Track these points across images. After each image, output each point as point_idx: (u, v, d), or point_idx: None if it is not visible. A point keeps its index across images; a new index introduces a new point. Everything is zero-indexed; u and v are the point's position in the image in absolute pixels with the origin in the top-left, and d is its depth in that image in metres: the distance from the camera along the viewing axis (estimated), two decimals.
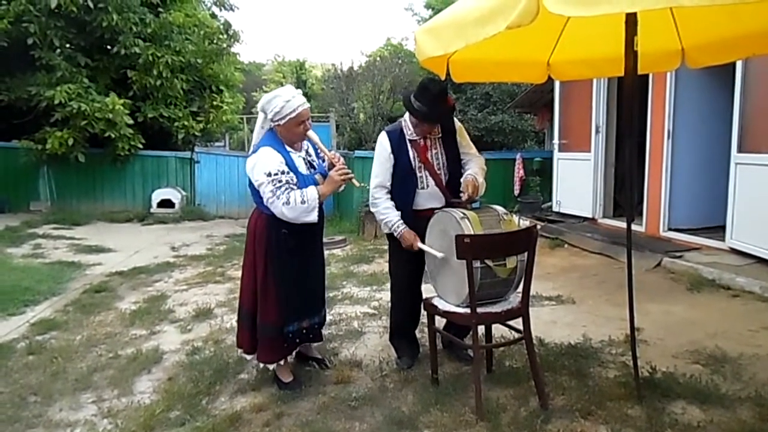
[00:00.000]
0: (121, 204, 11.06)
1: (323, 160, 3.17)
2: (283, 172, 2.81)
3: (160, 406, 2.90)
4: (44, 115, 9.69)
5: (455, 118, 3.32)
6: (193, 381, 3.18)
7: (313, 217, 2.85)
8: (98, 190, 11.06)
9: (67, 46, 9.94)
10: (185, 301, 4.97)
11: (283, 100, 2.84)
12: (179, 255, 7.36)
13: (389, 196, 3.18)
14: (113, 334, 4.08)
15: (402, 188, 3.16)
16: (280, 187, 2.78)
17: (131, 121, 10.10)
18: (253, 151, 2.92)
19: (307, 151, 3.08)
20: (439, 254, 2.87)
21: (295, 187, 2.82)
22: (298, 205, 2.78)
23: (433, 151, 3.18)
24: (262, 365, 3.12)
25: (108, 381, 3.28)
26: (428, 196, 3.16)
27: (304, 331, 3.09)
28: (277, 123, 2.89)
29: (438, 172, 3.16)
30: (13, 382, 3.27)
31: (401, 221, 3.11)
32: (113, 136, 9.94)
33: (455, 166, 3.20)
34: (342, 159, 3.04)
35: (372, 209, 3.28)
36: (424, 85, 3.04)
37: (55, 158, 10.05)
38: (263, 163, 2.81)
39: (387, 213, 3.14)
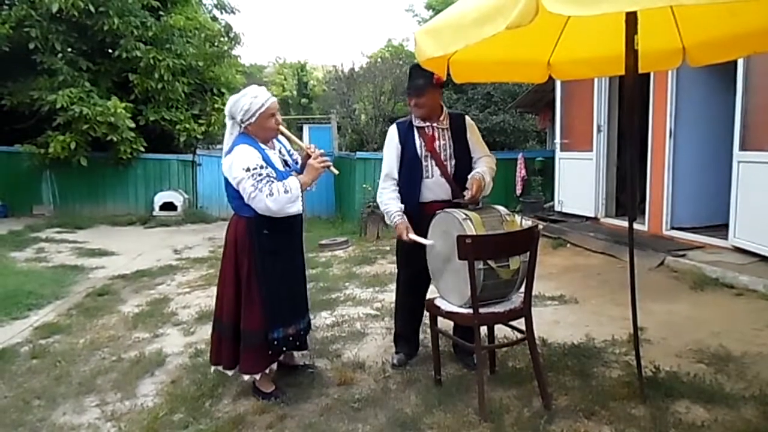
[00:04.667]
0: (124, 207, 11.10)
1: (297, 162, 3.12)
2: (262, 167, 2.77)
3: (164, 408, 2.91)
4: (46, 119, 9.73)
5: (467, 117, 3.36)
6: (197, 383, 3.19)
7: (297, 207, 2.82)
8: (101, 194, 11.09)
9: (69, 50, 9.97)
10: (188, 303, 4.98)
11: (251, 97, 2.83)
12: (182, 258, 7.38)
13: (395, 188, 3.23)
14: (116, 338, 4.09)
15: (409, 177, 3.20)
16: (261, 180, 2.73)
17: (133, 125, 10.13)
18: (228, 152, 2.87)
19: (280, 151, 3.04)
20: (428, 242, 2.95)
21: (275, 180, 2.78)
22: (281, 196, 2.74)
23: (441, 142, 3.21)
24: (246, 377, 3.00)
25: (111, 384, 3.29)
26: (433, 185, 3.18)
27: (290, 338, 2.99)
28: (248, 122, 2.84)
29: (444, 162, 3.19)
30: (17, 386, 3.28)
31: (399, 212, 3.15)
32: (115, 139, 9.97)
33: (462, 159, 3.22)
34: (317, 148, 3.00)
35: (378, 199, 3.32)
36: (411, 66, 3.24)
37: (57, 162, 10.08)
38: (240, 160, 2.76)
39: (389, 203, 3.19)
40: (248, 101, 2.83)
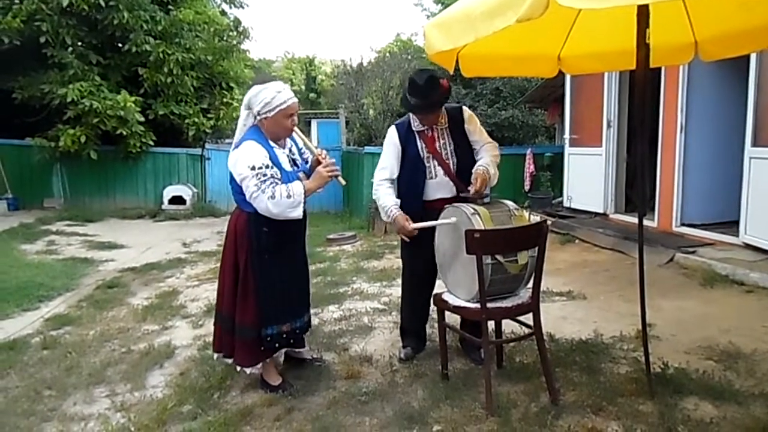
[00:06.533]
0: (133, 201, 11.19)
1: (306, 162, 3.07)
2: (267, 166, 2.72)
3: (173, 400, 2.93)
4: (57, 112, 9.82)
5: (465, 107, 3.32)
6: (205, 375, 3.21)
7: (298, 213, 2.76)
8: (110, 187, 11.19)
9: (79, 44, 10.04)
10: (196, 296, 5.01)
11: (275, 91, 2.78)
12: (190, 251, 7.43)
13: (391, 185, 3.21)
14: (126, 329, 4.13)
15: (411, 179, 3.18)
16: (265, 180, 2.68)
17: (142, 119, 10.20)
18: (236, 147, 2.84)
19: (290, 149, 3.00)
20: (438, 222, 2.89)
21: (279, 182, 2.74)
22: (283, 200, 2.69)
23: (441, 142, 3.18)
24: (239, 369, 3.02)
25: (121, 375, 3.32)
26: (437, 185, 3.16)
27: (285, 335, 2.95)
28: (264, 116, 2.78)
29: (447, 161, 3.16)
30: (28, 377, 3.32)
31: (396, 206, 3.12)
32: (125, 133, 10.05)
33: (465, 154, 3.19)
34: (329, 156, 2.98)
35: (374, 196, 3.28)
36: (412, 80, 3.09)
37: (68, 155, 10.18)
38: (247, 157, 2.72)
39: (385, 199, 3.17)
40: (271, 94, 2.77)
